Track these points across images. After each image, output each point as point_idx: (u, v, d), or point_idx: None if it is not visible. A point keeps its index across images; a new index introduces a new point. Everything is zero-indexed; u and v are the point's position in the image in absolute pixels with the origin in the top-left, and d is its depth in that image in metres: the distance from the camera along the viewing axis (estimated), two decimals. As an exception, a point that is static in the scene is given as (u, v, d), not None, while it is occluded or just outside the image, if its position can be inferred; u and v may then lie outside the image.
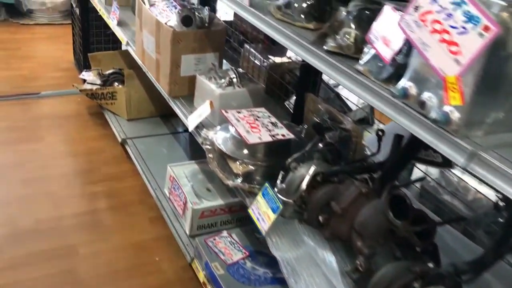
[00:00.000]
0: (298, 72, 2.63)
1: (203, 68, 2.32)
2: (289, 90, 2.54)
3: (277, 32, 1.47)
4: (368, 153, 1.87)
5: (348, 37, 1.24)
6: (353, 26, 1.26)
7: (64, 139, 3.34)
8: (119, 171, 3.10)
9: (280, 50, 2.71)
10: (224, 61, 2.59)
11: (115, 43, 4.24)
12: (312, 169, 1.47)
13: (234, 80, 2.18)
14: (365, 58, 1.19)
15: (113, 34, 3.26)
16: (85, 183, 2.93)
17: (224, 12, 3.32)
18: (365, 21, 1.27)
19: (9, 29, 4.99)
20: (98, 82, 3.51)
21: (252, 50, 2.72)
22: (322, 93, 2.33)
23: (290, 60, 2.67)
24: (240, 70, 2.24)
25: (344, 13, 1.31)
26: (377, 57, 1.16)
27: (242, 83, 2.20)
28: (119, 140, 3.23)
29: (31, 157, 3.08)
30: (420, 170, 2.02)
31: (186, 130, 3.37)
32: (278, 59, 2.68)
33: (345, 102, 2.37)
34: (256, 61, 2.65)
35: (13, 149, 3.14)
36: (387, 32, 1.12)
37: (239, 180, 1.73)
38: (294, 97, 2.51)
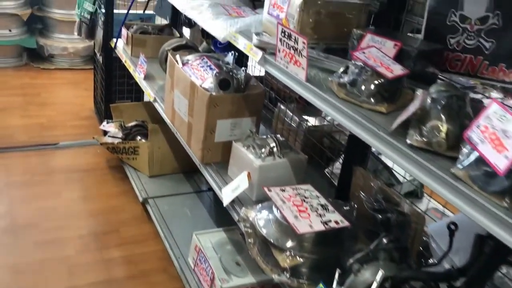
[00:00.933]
0: (339, 137, 2.45)
1: (238, 133, 2.13)
2: (329, 156, 2.34)
3: (342, 114, 1.27)
4: (432, 243, 1.64)
5: (438, 132, 1.04)
6: (443, 117, 1.06)
7: (82, 196, 3.14)
8: (139, 233, 2.88)
9: (316, 109, 2.53)
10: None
11: (138, 92, 4.10)
12: (380, 275, 1.24)
13: (275, 149, 1.98)
14: (464, 161, 0.98)
15: (136, 83, 3.12)
16: (103, 248, 2.71)
17: (254, 66, 3.17)
18: (456, 112, 1.07)
19: (30, 74, 4.89)
20: (120, 135, 3.33)
21: (287, 110, 2.54)
22: (369, 163, 2.13)
23: (327, 123, 2.49)
24: (280, 137, 2.05)
25: (428, 100, 1.11)
26: (481, 161, 0.95)
27: (283, 152, 2.00)
28: (140, 199, 3.03)
29: (47, 216, 2.88)
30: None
31: (210, 188, 3.17)
32: (313, 119, 2.51)
33: (394, 175, 2.16)
34: (291, 122, 2.46)
35: (28, 207, 2.94)
36: (497, 134, 0.92)
37: (286, 275, 1.50)
38: (336, 165, 2.31)
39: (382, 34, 1.45)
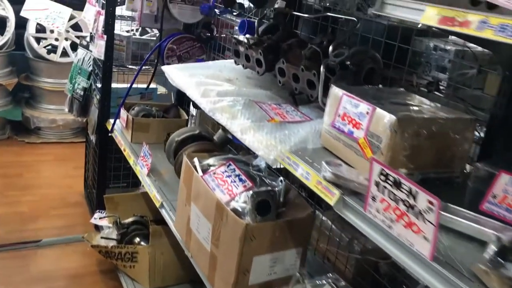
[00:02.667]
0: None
1: (280, 270, 1.60)
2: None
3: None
4: None
5: None
6: None
7: (66, 315, 2.54)
8: None
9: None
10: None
11: (136, 177, 3.56)
12: None
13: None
14: None
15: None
16: None
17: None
18: None
19: (12, 149, 4.33)
20: (115, 235, 2.77)
21: (324, 218, 2.02)
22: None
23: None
24: (340, 281, 1.51)
25: None
26: None
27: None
28: (139, 322, 2.43)
29: None
30: None
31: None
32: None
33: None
34: (330, 233, 1.93)
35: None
36: None
37: None
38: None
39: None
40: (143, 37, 3.44)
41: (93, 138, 3.19)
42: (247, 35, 1.97)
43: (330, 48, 1.55)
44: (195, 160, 1.86)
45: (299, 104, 1.78)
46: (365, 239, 1.84)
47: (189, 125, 2.98)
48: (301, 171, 1.22)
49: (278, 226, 1.55)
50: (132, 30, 3.66)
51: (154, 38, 3.57)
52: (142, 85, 3.32)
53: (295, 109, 1.67)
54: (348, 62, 1.48)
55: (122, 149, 2.79)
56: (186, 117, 2.92)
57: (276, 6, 1.92)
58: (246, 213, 1.56)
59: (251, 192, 1.56)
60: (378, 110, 1.16)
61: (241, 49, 1.87)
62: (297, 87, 1.62)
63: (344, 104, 1.27)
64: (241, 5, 2.47)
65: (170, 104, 3.10)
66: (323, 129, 1.36)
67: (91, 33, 3.21)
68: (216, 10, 2.62)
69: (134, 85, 3.18)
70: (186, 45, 2.85)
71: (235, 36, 1.89)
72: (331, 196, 1.11)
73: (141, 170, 2.46)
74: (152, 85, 3.43)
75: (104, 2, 2.87)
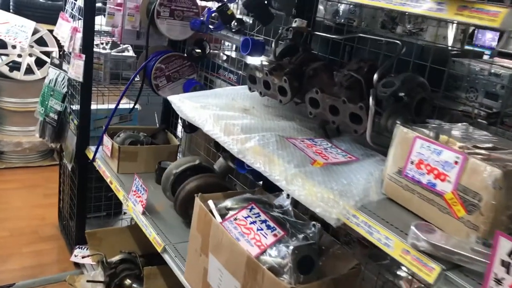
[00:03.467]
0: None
1: (324, 334, 1.37)
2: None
3: None
4: None
5: None
6: None
7: None
8: None
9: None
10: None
11: (118, 207, 3.26)
12: None
13: None
14: None
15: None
16: None
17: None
18: None
19: (-27, 177, 3.93)
20: (102, 277, 2.46)
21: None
22: None
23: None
24: None
25: None
26: None
27: None
28: None
29: None
30: None
31: None
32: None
33: None
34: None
35: None
36: None
37: None
38: None
39: None
40: (122, 54, 3.14)
41: (69, 166, 2.87)
42: (264, 58, 1.73)
43: (375, 76, 1.34)
44: (210, 203, 1.60)
45: (330, 135, 1.56)
46: None
47: (180, 151, 2.70)
48: (377, 235, 0.99)
49: (325, 286, 1.32)
50: (102, 43, 3.34)
51: (132, 54, 3.28)
52: (121, 105, 3.02)
53: (332, 144, 1.44)
54: (403, 93, 1.27)
55: (108, 181, 2.49)
56: (177, 143, 2.64)
57: (294, 25, 1.69)
58: (285, 271, 1.32)
59: (291, 247, 1.32)
60: (472, 160, 0.95)
61: (259, 75, 1.63)
62: (335, 121, 1.40)
63: (419, 149, 1.05)
64: (240, 21, 2.24)
65: (157, 128, 2.82)
66: (385, 176, 1.15)
67: (64, 51, 2.89)
68: (210, 26, 2.38)
69: (111, 105, 2.89)
70: (176, 64, 2.58)
71: (251, 64, 1.65)
72: (428, 272, 0.89)
73: (134, 207, 2.18)
74: (129, 106, 3.13)
75: (81, 18, 2.57)
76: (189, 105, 1.58)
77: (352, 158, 1.34)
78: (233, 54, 2.62)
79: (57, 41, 3.88)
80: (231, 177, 2.32)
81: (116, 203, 3.18)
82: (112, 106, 2.66)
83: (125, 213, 3.34)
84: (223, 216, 1.56)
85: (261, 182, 2.08)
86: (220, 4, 2.21)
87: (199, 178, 2.05)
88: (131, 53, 3.27)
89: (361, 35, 1.56)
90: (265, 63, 1.70)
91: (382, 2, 1.11)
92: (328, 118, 1.43)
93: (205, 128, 1.48)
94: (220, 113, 1.54)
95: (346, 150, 1.40)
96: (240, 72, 2.35)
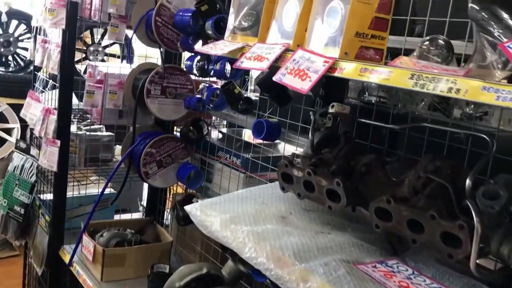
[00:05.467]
0: None
1: None
2: None
3: None
4: None
5: None
6: None
7: None
8: None
9: None
10: None
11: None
12: None
13: None
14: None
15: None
16: None
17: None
18: None
19: None
20: None
21: None
22: None
23: None
24: None
25: None
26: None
27: None
28: None
29: None
30: None
31: None
32: None
33: None
34: None
35: None
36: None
37: None
38: None
39: None
40: (97, 133, 2.75)
41: (40, 271, 2.39)
42: (298, 152, 1.41)
43: (468, 181, 1.02)
44: None
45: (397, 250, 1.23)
46: None
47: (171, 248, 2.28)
48: None
49: None
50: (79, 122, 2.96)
51: (107, 133, 2.89)
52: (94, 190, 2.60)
53: (413, 269, 1.10)
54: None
55: (90, 293, 2.03)
56: (170, 238, 2.23)
57: (331, 110, 1.39)
58: None
59: None
60: None
61: (298, 173, 1.29)
62: (417, 240, 1.06)
63: None
64: (248, 100, 1.92)
65: (144, 220, 2.40)
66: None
67: (32, 132, 2.49)
68: (210, 105, 2.05)
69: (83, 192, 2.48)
70: (168, 147, 2.22)
71: (284, 160, 1.31)
72: None
73: (127, 331, 1.74)
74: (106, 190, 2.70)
75: (56, 98, 2.20)
76: (216, 219, 1.22)
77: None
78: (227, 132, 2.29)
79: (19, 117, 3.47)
80: (242, 283, 1.92)
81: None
82: (88, 192, 2.27)
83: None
84: None
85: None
86: (225, 82, 1.90)
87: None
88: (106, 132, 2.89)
89: (427, 125, 1.26)
90: (299, 155, 1.37)
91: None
92: (404, 235, 1.09)
93: (244, 254, 1.11)
94: (258, 229, 1.18)
95: (435, 279, 1.06)
96: (246, 155, 2.01)
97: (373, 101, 1.69)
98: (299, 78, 1.03)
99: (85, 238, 2.13)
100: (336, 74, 1.00)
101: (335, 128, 1.41)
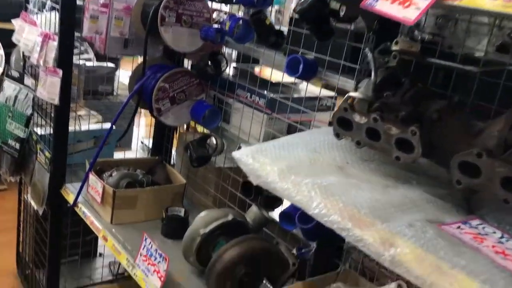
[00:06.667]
0: None
1: None
2: None
3: None
4: None
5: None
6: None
7: None
8: None
9: None
10: None
11: (97, 246, 2.64)
12: None
13: None
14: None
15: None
16: None
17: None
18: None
19: None
20: None
21: None
22: None
23: None
24: None
25: None
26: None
27: None
28: None
29: None
30: None
31: None
32: None
33: None
34: None
35: None
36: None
37: None
38: None
39: None
40: (97, 64, 2.50)
41: (40, 210, 2.22)
42: (357, 94, 1.23)
43: None
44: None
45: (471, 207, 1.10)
46: None
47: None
48: None
49: None
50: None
51: (109, 65, 2.65)
52: (93, 125, 2.41)
53: (500, 230, 0.97)
54: None
55: (100, 236, 1.89)
56: (183, 180, 2.07)
57: (395, 47, 1.21)
58: None
59: None
60: None
61: (361, 119, 1.13)
62: (511, 200, 0.93)
63: None
64: (280, 33, 1.71)
65: (154, 160, 2.22)
66: None
67: (29, 62, 2.23)
68: (231, 37, 1.83)
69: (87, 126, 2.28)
70: (182, 82, 2.01)
71: (343, 102, 1.14)
72: None
73: (145, 278, 1.61)
74: (105, 125, 2.50)
75: (56, 22, 1.94)
76: (273, 168, 1.05)
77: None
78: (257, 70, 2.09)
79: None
80: (266, 231, 1.80)
81: (95, 245, 2.57)
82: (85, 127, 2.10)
83: (100, 254, 2.73)
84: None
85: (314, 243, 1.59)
86: (254, 11, 1.67)
87: (241, 243, 1.51)
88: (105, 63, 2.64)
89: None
90: (358, 98, 1.20)
91: None
92: (495, 193, 0.96)
93: (311, 210, 0.95)
94: (322, 181, 1.02)
95: None
96: (271, 94, 1.83)
97: (425, 40, 1.51)
98: (399, 5, 0.84)
99: (92, 178, 1.95)
100: (457, 2, 0.79)
101: (399, 68, 1.23)
